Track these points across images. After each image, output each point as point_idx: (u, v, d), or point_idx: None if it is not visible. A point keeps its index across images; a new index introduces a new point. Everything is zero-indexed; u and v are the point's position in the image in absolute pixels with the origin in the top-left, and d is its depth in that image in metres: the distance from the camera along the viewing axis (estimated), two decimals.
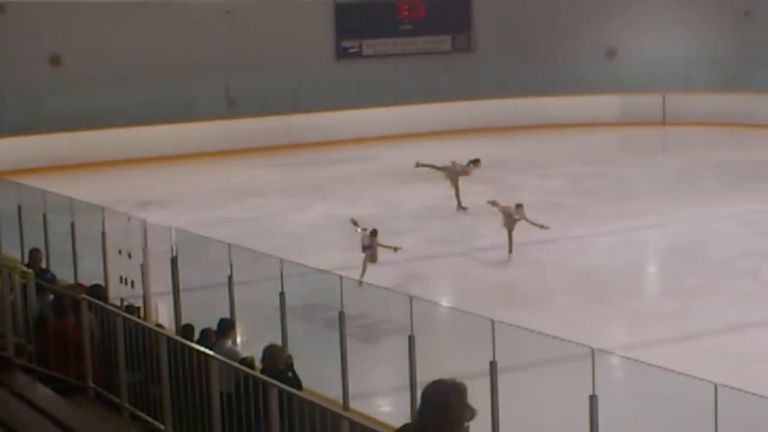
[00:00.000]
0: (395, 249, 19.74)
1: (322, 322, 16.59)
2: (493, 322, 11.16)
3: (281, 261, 14.74)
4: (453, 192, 25.84)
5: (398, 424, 12.32)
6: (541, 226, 21.19)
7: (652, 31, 41.79)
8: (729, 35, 40.95)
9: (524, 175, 30.55)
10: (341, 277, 13.69)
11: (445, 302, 18.65)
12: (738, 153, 33.41)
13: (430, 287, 19.73)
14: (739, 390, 9.20)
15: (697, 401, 9.07)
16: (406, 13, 42.45)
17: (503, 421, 11.43)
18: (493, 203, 21.95)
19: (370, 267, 19.32)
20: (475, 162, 25.97)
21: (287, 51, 39.08)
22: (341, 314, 13.53)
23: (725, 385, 8.83)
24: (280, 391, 10.02)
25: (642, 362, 10.65)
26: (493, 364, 11.30)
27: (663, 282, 20.63)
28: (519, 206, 21.49)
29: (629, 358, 11.13)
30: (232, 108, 38.48)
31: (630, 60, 41.32)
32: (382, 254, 19.69)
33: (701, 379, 9.11)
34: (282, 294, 14.62)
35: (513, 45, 42.23)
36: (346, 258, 20.97)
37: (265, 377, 10.42)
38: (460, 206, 25.86)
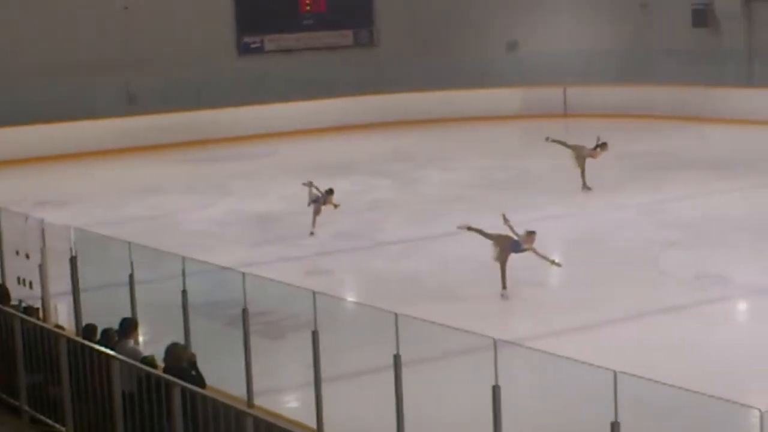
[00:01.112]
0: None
1: (226, 320, 16.44)
2: (396, 315, 11.15)
3: (183, 259, 14.59)
4: (579, 172, 26.25)
5: (305, 419, 12.34)
6: (553, 262, 17.96)
7: (553, 24, 42.15)
8: (627, 27, 41.49)
9: (428, 169, 30.65)
10: (244, 274, 13.58)
11: (350, 297, 18.61)
12: (638, 144, 33.83)
13: (336, 282, 19.67)
14: (639, 377, 9.29)
15: (599, 389, 9.14)
16: (308, 8, 42.32)
17: (408, 414, 11.42)
18: (507, 220, 18.34)
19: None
20: (602, 146, 26.12)
21: (188, 47, 38.72)
22: (245, 311, 13.43)
23: (625, 373, 8.92)
24: (183, 390, 9.93)
25: (544, 352, 10.71)
26: (396, 358, 11.29)
27: (567, 272, 20.75)
28: (530, 234, 18.05)
29: (532, 348, 11.18)
30: (132, 105, 38.04)
31: (531, 53, 41.65)
32: (295, 247, 19.60)
33: (601, 367, 9.19)
34: (184, 292, 14.47)
35: (415, 39, 42.33)
36: (250, 254, 20.90)
37: (167, 376, 10.32)
38: (585, 186, 26.26)
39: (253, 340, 13.69)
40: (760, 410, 8.22)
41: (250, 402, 13.37)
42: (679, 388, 9.31)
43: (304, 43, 41.99)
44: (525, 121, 39.93)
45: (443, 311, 16.14)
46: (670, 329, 15.92)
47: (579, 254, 21.13)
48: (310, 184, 23.38)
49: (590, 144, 26.17)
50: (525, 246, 17.91)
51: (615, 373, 8.80)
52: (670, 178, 27.76)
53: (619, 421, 8.94)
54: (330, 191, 23.13)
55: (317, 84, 39.81)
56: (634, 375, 9.16)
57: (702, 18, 41.06)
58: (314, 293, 12.38)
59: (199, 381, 11.51)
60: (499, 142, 37.03)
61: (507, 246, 17.93)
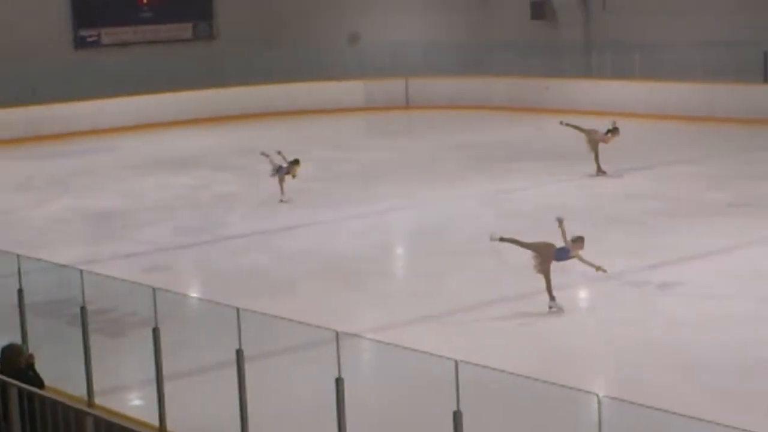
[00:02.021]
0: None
1: (66, 319, 16.09)
2: (238, 310, 11.04)
3: (18, 257, 14.20)
4: (592, 156, 26.35)
5: (148, 418, 12.13)
6: (599, 268, 16.41)
7: (394, 15, 42.40)
8: (467, 19, 41.96)
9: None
10: (81, 271, 13.29)
11: (191, 293, 18.40)
12: (479, 135, 34.24)
13: (176, 278, 19.40)
14: (481, 366, 9.37)
15: (441, 378, 9.19)
16: (146, 0, 41.74)
17: (252, 409, 11.33)
18: (561, 223, 16.56)
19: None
20: (614, 131, 26.07)
21: (22, 40, 37.81)
22: (83, 309, 13.14)
23: (466, 362, 8.97)
24: (21, 391, 9.70)
25: (387, 343, 10.74)
26: (239, 353, 11.17)
27: (410, 263, 20.93)
28: (579, 240, 16.51)
29: (375, 340, 11.20)
30: None
31: (373, 45, 41.80)
32: (135, 243, 19.27)
33: (443, 357, 9.24)
34: (20, 291, 14.10)
35: (256, 32, 42.11)
36: (88, 252, 20.51)
37: (4, 377, 10.07)
38: (599, 170, 26.40)
39: (93, 339, 13.40)
40: (598, 395, 8.36)
41: (90, 401, 13.09)
42: (520, 375, 9.42)
43: (143, 37, 41.44)
44: (368, 113, 40.09)
45: (286, 305, 16.10)
46: (513, 317, 16.11)
47: (422, 245, 21.27)
48: (267, 155, 24.58)
49: (603, 128, 26.43)
50: (572, 254, 16.38)
51: (456, 362, 8.85)
52: (510, 168, 28.15)
53: (461, 410, 9.00)
54: (296, 161, 24.35)
55: (156, 78, 39.23)
56: (475, 364, 9.24)
57: (540, 10, 41.81)
58: (154, 290, 12.18)
59: (38, 382, 11.25)
60: (343, 134, 37.08)
61: (549, 255, 16.34)
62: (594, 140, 26.29)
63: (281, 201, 24.43)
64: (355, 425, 10.31)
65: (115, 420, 9.34)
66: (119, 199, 26.33)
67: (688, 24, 38.26)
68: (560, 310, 16.08)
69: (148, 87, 38.79)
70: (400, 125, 38.78)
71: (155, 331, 12.20)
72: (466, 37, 41.70)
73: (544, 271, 16.26)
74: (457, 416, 9.06)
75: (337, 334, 10.06)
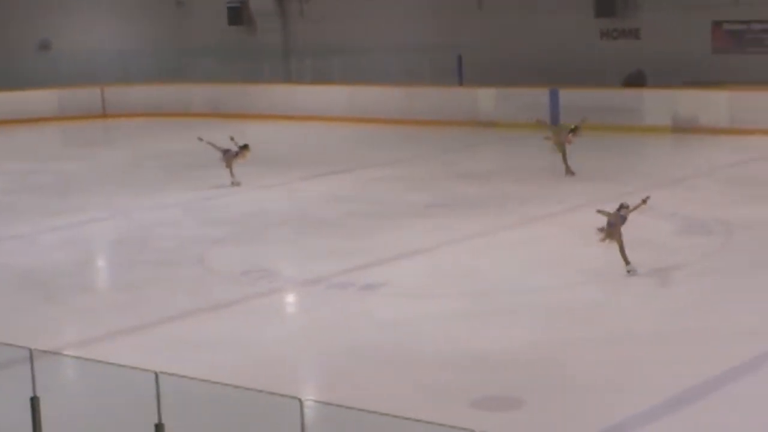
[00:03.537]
0: None
1: None
2: None
3: None
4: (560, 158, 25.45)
5: None
6: (644, 201, 17.36)
7: (87, 23, 41.38)
8: (163, 26, 41.37)
9: None
10: None
11: None
12: (178, 143, 33.69)
13: None
14: (182, 377, 9.07)
15: (144, 391, 8.81)
16: None
17: None
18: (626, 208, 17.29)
19: None
20: (574, 130, 24.98)
21: None
22: None
23: (166, 373, 8.64)
24: None
25: (87, 359, 10.25)
26: None
27: (111, 275, 20.28)
28: (622, 208, 17.32)
29: (73, 356, 10.68)
30: None
31: (66, 53, 40.60)
32: None
33: (144, 370, 8.87)
34: None
35: None
36: None
37: None
38: (568, 171, 25.43)
39: None
40: (300, 399, 8.22)
41: None
42: (224, 384, 9.16)
43: None
44: (63, 123, 38.93)
45: None
46: (221, 325, 15.79)
47: (123, 256, 20.65)
48: (205, 140, 26.00)
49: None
50: (625, 214, 17.17)
51: (156, 374, 8.51)
52: (214, 175, 27.77)
53: (163, 422, 8.66)
54: (245, 146, 25.57)
55: None
56: (176, 375, 8.92)
57: (238, 16, 41.70)
58: None
59: None
60: (37, 145, 35.82)
61: (618, 222, 17.15)
62: (560, 142, 25.90)
63: (232, 184, 25.75)
64: None
65: None
66: None
67: (386, 30, 38.99)
68: (634, 272, 17.03)
69: None
70: (97, 134, 37.83)
71: None
72: (164, 44, 41.11)
73: (617, 238, 17.13)
74: (159, 429, 8.74)
75: (31, 351, 9.51)
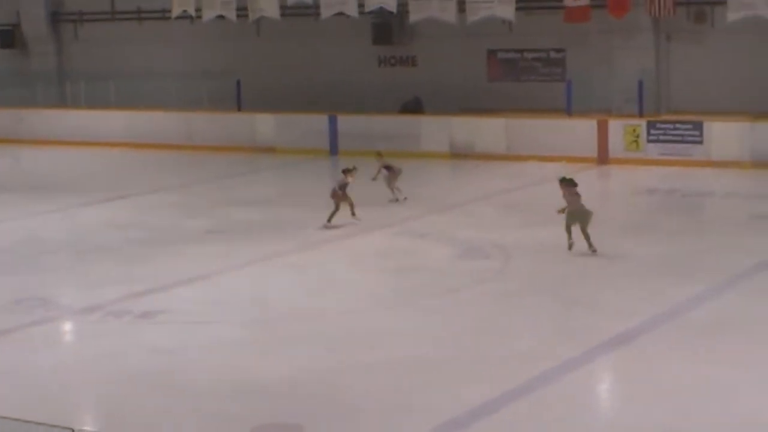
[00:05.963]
0: None
1: None
2: None
3: None
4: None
5: None
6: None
7: None
8: None
9: None
10: None
11: None
12: None
13: None
14: None
15: None
16: None
17: None
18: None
19: None
20: (351, 171, 23.10)
21: None
22: None
23: None
24: None
25: None
26: None
27: None
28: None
29: None
30: None
31: None
32: None
33: None
34: None
35: None
36: None
37: None
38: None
39: None
40: (73, 429, 8.00)
41: None
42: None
43: None
44: None
45: None
46: None
47: None
48: None
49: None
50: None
51: None
52: None
53: None
54: None
55: None
56: None
57: (9, 39, 40.67)
58: None
59: None
60: None
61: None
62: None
63: None
64: None
65: None
66: None
67: (164, 54, 38.68)
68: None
69: None
70: None
71: None
72: None
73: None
74: None
75: None
